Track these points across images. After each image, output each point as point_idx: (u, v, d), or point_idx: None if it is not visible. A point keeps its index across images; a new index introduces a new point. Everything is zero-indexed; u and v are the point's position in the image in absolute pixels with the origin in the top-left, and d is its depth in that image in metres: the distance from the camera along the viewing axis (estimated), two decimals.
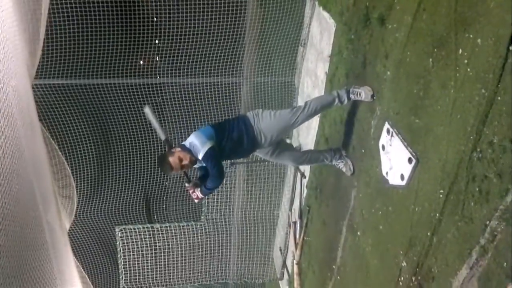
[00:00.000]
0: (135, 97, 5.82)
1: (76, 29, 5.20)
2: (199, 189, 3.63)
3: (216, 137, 3.46)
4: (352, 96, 3.56)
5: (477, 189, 2.26)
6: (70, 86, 5.60)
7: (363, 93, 3.48)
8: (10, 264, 2.72)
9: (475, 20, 2.29)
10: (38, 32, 3.87)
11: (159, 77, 5.95)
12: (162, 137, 3.48)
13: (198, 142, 3.38)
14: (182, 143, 3.53)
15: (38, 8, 3.71)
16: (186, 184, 3.68)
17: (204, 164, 3.54)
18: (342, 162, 3.93)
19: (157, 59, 6.11)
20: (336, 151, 4.01)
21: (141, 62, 6.04)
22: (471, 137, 2.28)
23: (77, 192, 5.75)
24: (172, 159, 3.36)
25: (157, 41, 5.84)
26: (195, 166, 3.64)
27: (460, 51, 2.40)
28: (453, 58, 2.46)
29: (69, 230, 5.93)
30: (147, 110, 3.46)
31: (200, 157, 3.39)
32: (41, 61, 5.18)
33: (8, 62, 2.85)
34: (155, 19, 5.63)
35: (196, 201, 3.71)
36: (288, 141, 5.75)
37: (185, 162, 3.39)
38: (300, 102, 5.52)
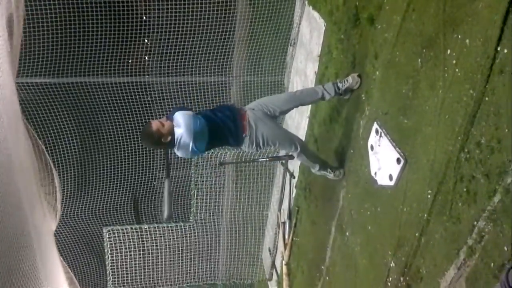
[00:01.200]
0: (124, 96, 5.77)
1: (64, 27, 5.14)
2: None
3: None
4: (340, 85, 3.58)
5: (465, 189, 2.26)
6: (57, 84, 5.52)
7: (350, 77, 3.54)
8: None
9: (464, 21, 2.29)
10: (18, 28, 3.80)
11: (148, 76, 5.90)
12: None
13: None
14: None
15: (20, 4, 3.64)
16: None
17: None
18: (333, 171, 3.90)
19: (147, 58, 6.06)
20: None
21: (130, 61, 5.98)
22: (459, 138, 2.28)
23: (63, 192, 5.67)
24: (154, 124, 3.21)
25: (146, 40, 5.80)
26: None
27: (449, 51, 2.40)
28: (441, 58, 2.45)
29: (56, 231, 5.84)
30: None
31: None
32: (28, 59, 5.11)
33: None
34: (144, 18, 5.58)
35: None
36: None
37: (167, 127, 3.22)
38: None
